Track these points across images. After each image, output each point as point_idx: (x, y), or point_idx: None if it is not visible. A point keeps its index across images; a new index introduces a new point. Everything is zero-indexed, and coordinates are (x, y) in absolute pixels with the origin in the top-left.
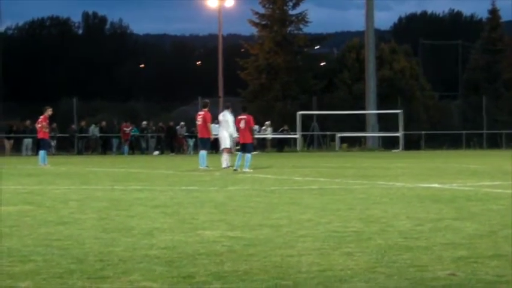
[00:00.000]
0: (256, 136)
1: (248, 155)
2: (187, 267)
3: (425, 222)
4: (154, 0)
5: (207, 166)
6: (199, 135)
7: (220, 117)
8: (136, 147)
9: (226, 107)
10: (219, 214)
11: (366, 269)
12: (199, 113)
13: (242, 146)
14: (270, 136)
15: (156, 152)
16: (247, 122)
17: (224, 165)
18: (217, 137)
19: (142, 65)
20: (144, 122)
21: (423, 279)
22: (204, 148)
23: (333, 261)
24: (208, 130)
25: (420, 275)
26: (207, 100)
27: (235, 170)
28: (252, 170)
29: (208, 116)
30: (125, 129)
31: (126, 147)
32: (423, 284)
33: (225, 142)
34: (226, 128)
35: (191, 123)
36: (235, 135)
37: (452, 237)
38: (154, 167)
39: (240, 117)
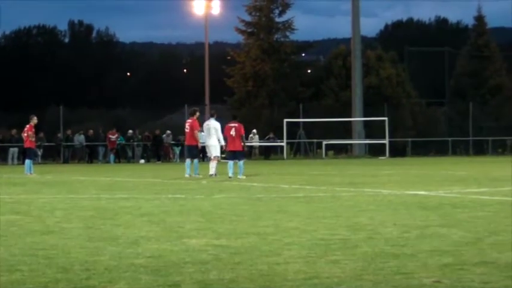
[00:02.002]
0: (246, 144)
1: (240, 163)
2: (173, 275)
3: (411, 229)
4: (140, 8)
5: (198, 174)
6: (186, 143)
7: (206, 125)
8: (122, 155)
9: (211, 115)
10: (205, 222)
11: (353, 276)
12: (188, 120)
13: (232, 154)
14: (257, 144)
15: (142, 161)
16: (237, 130)
17: (212, 172)
18: (204, 145)
19: (128, 74)
20: (130, 131)
21: (409, 286)
22: (190, 156)
23: (320, 269)
24: (195, 138)
25: (406, 282)
26: (195, 108)
27: (230, 177)
28: (245, 177)
29: (196, 123)
30: (110, 136)
31: (112, 156)
32: None
33: (214, 150)
34: (214, 135)
35: (178, 131)
36: (223, 142)
37: (438, 244)
38: (141, 175)
39: (230, 125)
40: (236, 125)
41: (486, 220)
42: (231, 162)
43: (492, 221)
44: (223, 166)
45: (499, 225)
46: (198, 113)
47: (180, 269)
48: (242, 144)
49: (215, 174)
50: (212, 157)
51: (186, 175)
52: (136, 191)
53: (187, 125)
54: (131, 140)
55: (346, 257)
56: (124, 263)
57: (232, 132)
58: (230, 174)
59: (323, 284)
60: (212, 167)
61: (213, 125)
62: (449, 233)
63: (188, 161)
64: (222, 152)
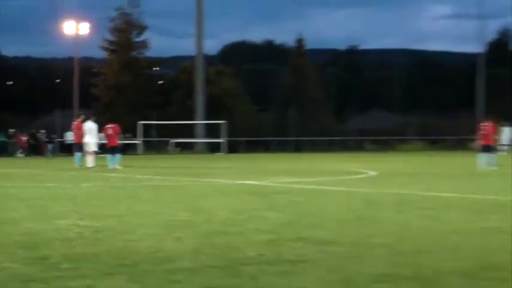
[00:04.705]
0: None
1: (117, 155)
2: (43, 250)
3: (242, 212)
4: (21, 27)
5: (81, 165)
6: (75, 141)
7: (86, 126)
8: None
9: (88, 118)
10: (72, 206)
11: (192, 250)
12: (74, 122)
13: (111, 149)
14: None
15: (21, 154)
16: (114, 130)
17: (91, 164)
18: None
19: (10, 82)
20: (11, 130)
21: (238, 258)
22: (78, 151)
23: (165, 244)
24: (81, 137)
25: (236, 254)
26: (80, 112)
27: (113, 169)
28: (120, 168)
29: (81, 125)
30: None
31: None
32: (238, 262)
33: (92, 146)
34: (92, 134)
35: (51, 130)
36: (98, 140)
37: (263, 224)
38: (22, 167)
39: (108, 126)
40: (113, 125)
41: (300, 205)
42: (110, 156)
43: (305, 205)
44: (100, 160)
45: (311, 207)
46: (83, 116)
47: (50, 245)
48: (118, 141)
49: (94, 166)
50: (90, 151)
51: (77, 165)
52: (16, 180)
53: (74, 126)
54: (12, 138)
55: (187, 234)
56: (2, 240)
57: (110, 131)
58: (112, 166)
59: (168, 257)
60: (91, 160)
61: (91, 126)
62: (272, 215)
63: (79, 154)
64: (99, 147)
